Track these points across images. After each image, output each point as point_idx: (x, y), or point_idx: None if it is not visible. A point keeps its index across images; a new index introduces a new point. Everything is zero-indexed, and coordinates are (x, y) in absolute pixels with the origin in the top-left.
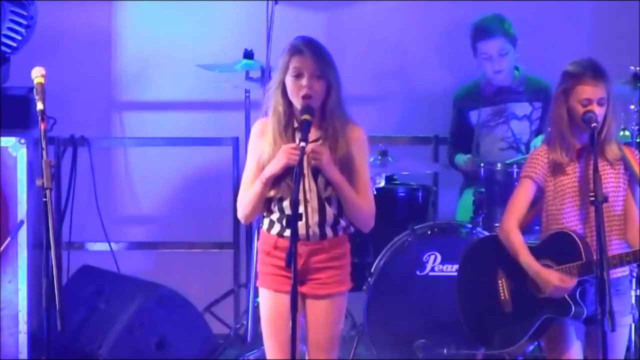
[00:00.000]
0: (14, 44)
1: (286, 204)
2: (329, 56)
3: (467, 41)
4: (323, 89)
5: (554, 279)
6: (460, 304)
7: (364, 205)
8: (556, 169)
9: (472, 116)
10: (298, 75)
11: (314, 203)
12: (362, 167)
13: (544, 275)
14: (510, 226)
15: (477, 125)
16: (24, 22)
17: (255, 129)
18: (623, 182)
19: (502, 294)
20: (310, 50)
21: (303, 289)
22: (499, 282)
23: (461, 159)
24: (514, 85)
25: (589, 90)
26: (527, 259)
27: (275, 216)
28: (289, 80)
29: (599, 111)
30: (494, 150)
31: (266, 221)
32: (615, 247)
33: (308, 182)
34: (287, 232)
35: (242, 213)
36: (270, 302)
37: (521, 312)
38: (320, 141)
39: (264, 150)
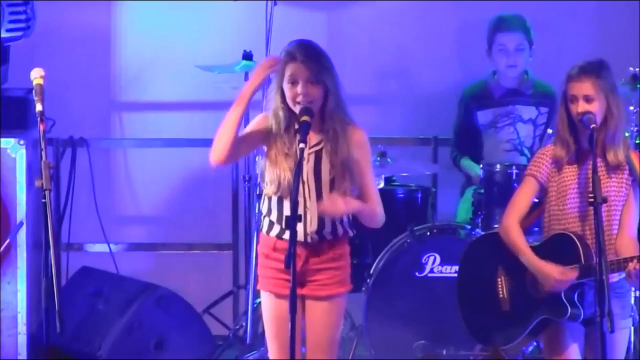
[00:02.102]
0: (19, 33)
1: (286, 204)
2: (325, 59)
3: (467, 42)
4: (320, 93)
5: (554, 273)
6: (460, 301)
7: (378, 211)
8: (560, 169)
9: (480, 116)
10: (293, 83)
11: (313, 209)
12: (367, 170)
13: (545, 270)
14: (511, 223)
15: (484, 127)
16: (23, 17)
17: (261, 116)
18: (626, 187)
19: (500, 292)
20: (304, 56)
21: (303, 291)
22: (499, 280)
23: (469, 165)
24: (522, 87)
25: (574, 87)
26: (527, 256)
27: (274, 216)
28: (285, 87)
29: (585, 108)
30: (499, 151)
31: (265, 222)
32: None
33: (308, 189)
34: (286, 234)
35: (214, 149)
36: (271, 306)
37: (518, 311)
38: (321, 144)
39: (267, 150)
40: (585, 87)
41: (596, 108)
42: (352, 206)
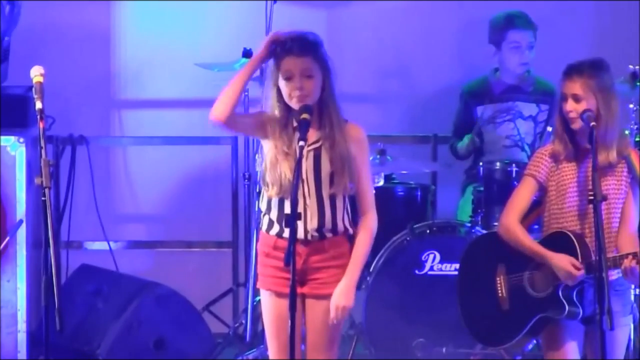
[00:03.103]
0: None
1: (287, 202)
2: (320, 50)
3: (467, 40)
4: (316, 87)
5: (565, 264)
6: (460, 300)
7: (373, 234)
8: (559, 167)
9: (479, 111)
10: (289, 78)
11: (313, 207)
12: (364, 168)
13: (555, 260)
14: (511, 221)
15: (481, 120)
16: None
17: (259, 111)
18: (625, 185)
19: (500, 291)
20: (298, 50)
21: (303, 290)
22: (498, 279)
23: (463, 142)
24: (523, 84)
25: (565, 85)
26: (533, 247)
27: (274, 215)
28: (281, 84)
29: (572, 107)
30: (499, 147)
31: (265, 220)
32: (614, 252)
33: (307, 187)
34: (287, 233)
35: (215, 107)
36: (271, 305)
37: (517, 310)
38: (320, 142)
39: (267, 152)
40: (574, 86)
41: (583, 107)
42: (354, 286)
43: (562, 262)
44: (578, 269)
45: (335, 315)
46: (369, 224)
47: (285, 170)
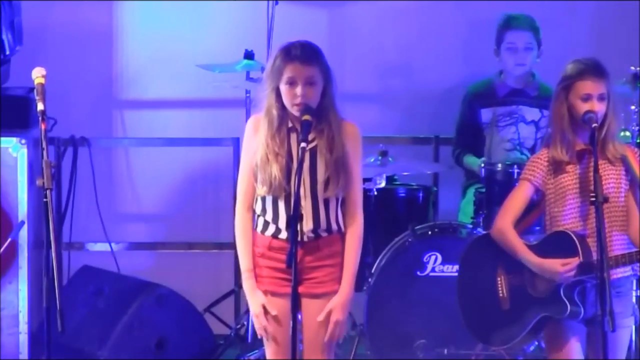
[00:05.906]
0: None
1: (281, 203)
2: (324, 60)
3: (469, 41)
4: (318, 94)
5: (557, 267)
6: (460, 300)
7: (361, 239)
8: (557, 170)
9: (483, 114)
10: (292, 84)
11: (307, 209)
12: (355, 168)
13: (547, 266)
14: (504, 224)
15: (486, 124)
16: None
17: (249, 124)
18: (624, 180)
19: (500, 291)
20: (304, 58)
21: (299, 289)
22: (498, 279)
23: (472, 161)
24: (527, 88)
25: (589, 86)
26: (525, 255)
27: (269, 216)
28: (283, 88)
29: (599, 107)
30: (500, 150)
31: (260, 222)
32: (616, 242)
33: (303, 188)
34: (282, 234)
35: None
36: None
37: (518, 310)
38: (315, 141)
39: (257, 150)
40: (600, 87)
41: (606, 107)
42: (350, 299)
43: (553, 267)
44: (570, 262)
45: (332, 329)
46: (357, 230)
47: (276, 171)
